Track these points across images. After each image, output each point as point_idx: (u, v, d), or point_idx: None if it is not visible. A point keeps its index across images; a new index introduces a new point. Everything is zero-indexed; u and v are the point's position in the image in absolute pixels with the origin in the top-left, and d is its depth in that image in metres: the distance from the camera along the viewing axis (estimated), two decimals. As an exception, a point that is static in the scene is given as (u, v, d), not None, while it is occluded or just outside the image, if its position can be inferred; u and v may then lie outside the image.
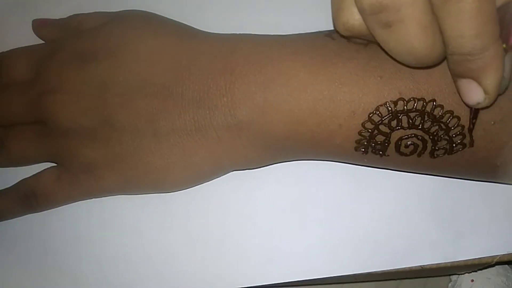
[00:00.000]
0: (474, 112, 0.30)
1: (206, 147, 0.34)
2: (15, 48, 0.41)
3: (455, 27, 0.26)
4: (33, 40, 0.42)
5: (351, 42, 0.32)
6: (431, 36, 0.27)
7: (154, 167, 0.35)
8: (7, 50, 0.41)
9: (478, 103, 0.28)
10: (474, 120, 0.31)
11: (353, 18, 0.29)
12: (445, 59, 0.29)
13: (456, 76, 0.28)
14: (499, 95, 0.28)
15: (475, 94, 0.27)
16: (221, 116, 0.33)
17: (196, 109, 0.34)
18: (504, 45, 0.27)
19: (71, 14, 0.41)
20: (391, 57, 0.29)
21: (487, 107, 0.29)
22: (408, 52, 0.28)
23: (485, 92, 0.27)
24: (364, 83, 0.31)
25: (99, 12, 0.40)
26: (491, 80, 0.27)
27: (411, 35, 0.27)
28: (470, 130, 0.31)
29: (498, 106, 0.31)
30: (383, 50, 0.29)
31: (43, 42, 0.42)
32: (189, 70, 0.34)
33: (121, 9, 0.39)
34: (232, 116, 0.33)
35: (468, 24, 0.25)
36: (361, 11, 0.27)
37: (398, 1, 0.26)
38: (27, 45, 0.41)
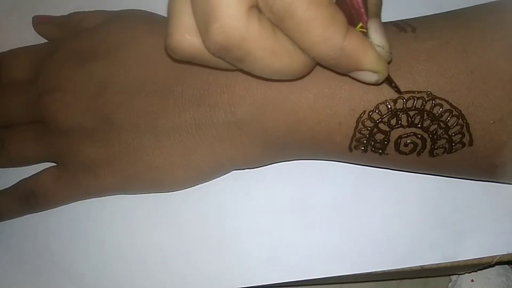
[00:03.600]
0: (388, 82, 0.31)
1: (206, 145, 0.34)
2: (15, 48, 0.41)
3: (302, 40, 0.26)
4: (33, 40, 0.42)
5: None
6: (284, 55, 0.27)
7: (154, 165, 0.35)
8: (7, 50, 0.41)
9: (377, 81, 0.29)
10: (393, 84, 0.31)
11: (184, 44, 0.28)
12: None
13: (342, 74, 0.29)
14: (389, 62, 0.29)
15: (368, 78, 0.28)
16: (222, 113, 0.33)
17: (196, 107, 0.34)
18: (360, 24, 0.28)
19: (71, 12, 0.41)
20: None
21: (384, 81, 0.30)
22: (275, 73, 0.28)
23: (374, 72, 0.28)
24: None
25: (99, 11, 0.40)
26: (369, 63, 0.27)
27: (265, 61, 0.27)
28: (399, 92, 0.31)
29: (497, 106, 0.31)
30: None
31: (44, 41, 0.42)
32: (189, 68, 0.34)
33: (121, 9, 0.40)
34: (232, 113, 0.33)
35: (310, 34, 0.26)
36: (212, 53, 0.28)
37: (237, 38, 0.26)
38: (27, 44, 0.41)
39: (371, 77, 0.28)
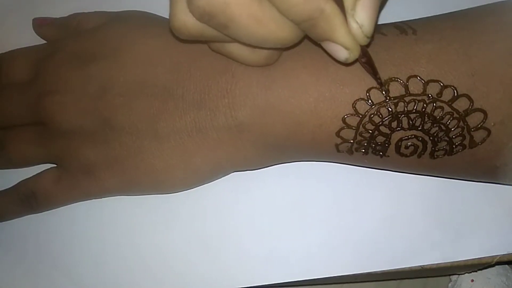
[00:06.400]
0: (369, 65, 0.30)
1: (207, 148, 0.34)
2: (15, 49, 0.41)
3: (284, 0, 0.26)
4: (33, 40, 0.42)
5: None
6: (270, 23, 0.27)
7: (155, 168, 0.35)
8: (6, 50, 0.41)
9: (347, 59, 0.28)
10: (378, 76, 0.31)
11: (188, 22, 0.28)
12: None
13: (317, 41, 0.28)
14: (368, 45, 0.29)
15: (338, 53, 0.28)
16: (222, 117, 0.33)
17: (197, 111, 0.34)
18: None
19: (71, 13, 0.41)
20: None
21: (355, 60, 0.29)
22: (262, 41, 0.28)
23: (346, 48, 0.27)
24: (365, 83, 0.31)
25: (99, 12, 0.40)
26: (342, 37, 0.27)
27: (250, 29, 0.27)
28: (380, 84, 0.31)
29: (498, 108, 0.31)
30: None
31: (44, 42, 0.42)
32: (189, 71, 0.34)
33: (121, 9, 0.39)
34: (233, 117, 0.33)
35: None
36: (197, 19, 0.28)
37: (219, 3, 0.26)
38: (27, 45, 0.41)
39: (342, 53, 0.28)
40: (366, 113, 0.32)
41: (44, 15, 0.42)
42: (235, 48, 0.31)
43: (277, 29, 0.27)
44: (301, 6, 0.26)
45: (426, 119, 0.31)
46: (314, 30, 0.27)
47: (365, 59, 0.30)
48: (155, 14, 0.38)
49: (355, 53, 0.28)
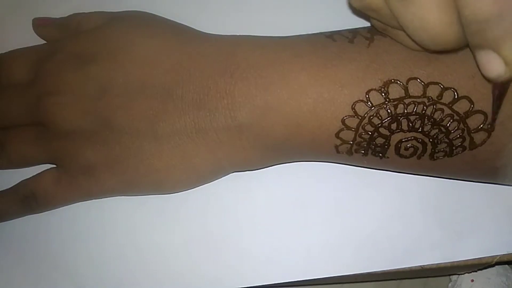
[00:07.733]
0: (497, 99, 0.29)
1: (207, 149, 0.34)
2: (14, 50, 0.41)
3: None
4: (33, 40, 0.41)
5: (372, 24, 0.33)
6: (446, 12, 0.26)
7: (155, 169, 0.35)
8: (6, 50, 0.41)
9: (499, 76, 0.26)
10: (496, 110, 0.30)
11: None
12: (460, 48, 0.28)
13: (474, 48, 0.27)
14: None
15: (494, 66, 0.26)
16: (222, 118, 0.33)
17: (196, 111, 0.34)
18: None
19: (71, 14, 0.41)
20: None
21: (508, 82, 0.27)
22: (423, 28, 0.27)
23: (506, 63, 0.26)
24: (364, 85, 0.31)
25: (98, 12, 0.40)
26: (509, 49, 0.25)
27: (427, 8, 0.26)
28: (493, 121, 0.30)
29: None
30: (384, 49, 0.30)
31: (43, 42, 0.42)
32: (189, 72, 0.34)
33: (121, 9, 0.39)
34: (232, 118, 0.33)
35: None
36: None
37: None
38: (26, 45, 0.41)
39: (497, 67, 0.26)
40: (366, 115, 0.31)
41: (44, 15, 0.42)
42: (401, 35, 0.31)
43: (449, 23, 0.26)
44: (486, 4, 0.24)
45: (426, 121, 0.31)
46: (482, 34, 0.25)
47: (499, 92, 0.29)
48: (155, 14, 0.38)
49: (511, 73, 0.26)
